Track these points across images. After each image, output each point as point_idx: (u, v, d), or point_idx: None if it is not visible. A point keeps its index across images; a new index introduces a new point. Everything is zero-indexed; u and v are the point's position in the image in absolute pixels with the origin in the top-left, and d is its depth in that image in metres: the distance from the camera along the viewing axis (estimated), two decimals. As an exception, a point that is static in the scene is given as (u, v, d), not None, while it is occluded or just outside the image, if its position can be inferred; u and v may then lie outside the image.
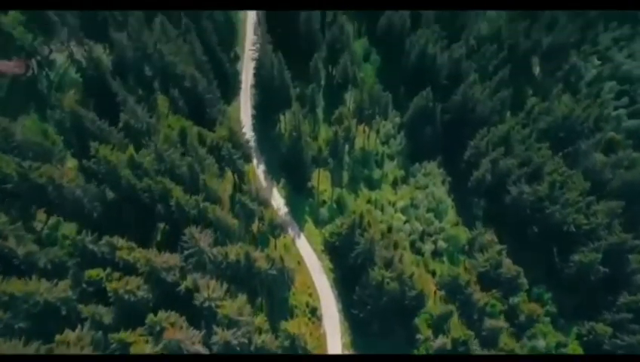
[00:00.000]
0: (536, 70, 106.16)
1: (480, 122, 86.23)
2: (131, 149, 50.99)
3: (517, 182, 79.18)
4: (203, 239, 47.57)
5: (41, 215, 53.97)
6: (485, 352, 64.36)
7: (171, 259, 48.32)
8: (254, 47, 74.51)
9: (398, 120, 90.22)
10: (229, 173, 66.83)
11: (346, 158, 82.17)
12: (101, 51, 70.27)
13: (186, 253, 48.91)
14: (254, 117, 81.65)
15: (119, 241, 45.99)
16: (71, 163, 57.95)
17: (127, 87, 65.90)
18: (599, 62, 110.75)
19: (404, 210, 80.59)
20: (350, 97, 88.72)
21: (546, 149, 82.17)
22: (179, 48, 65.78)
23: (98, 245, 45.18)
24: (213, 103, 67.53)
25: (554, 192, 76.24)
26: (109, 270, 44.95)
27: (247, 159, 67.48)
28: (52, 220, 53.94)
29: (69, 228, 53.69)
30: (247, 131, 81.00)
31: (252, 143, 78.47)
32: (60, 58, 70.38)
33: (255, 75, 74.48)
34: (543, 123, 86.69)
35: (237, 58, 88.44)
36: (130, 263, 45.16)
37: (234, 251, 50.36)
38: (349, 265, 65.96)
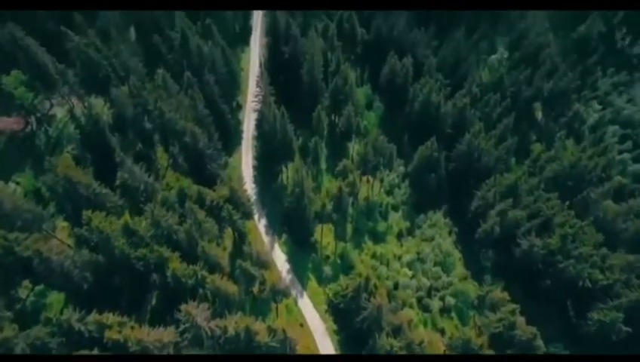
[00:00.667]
0: (539, 115, 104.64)
1: (486, 171, 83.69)
2: (127, 216, 47.81)
3: (527, 234, 75.64)
4: (200, 314, 43.67)
5: (26, 283, 50.26)
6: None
7: (165, 334, 44.19)
8: (256, 99, 72.82)
9: (402, 169, 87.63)
10: (229, 231, 63.45)
11: (350, 210, 79.01)
12: (102, 105, 68.42)
13: (181, 327, 44.88)
14: (256, 168, 79.00)
15: (109, 318, 42.04)
16: (63, 228, 54.75)
17: (127, 142, 63.60)
18: (600, 107, 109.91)
19: (410, 265, 76.68)
20: (353, 147, 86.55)
21: (555, 199, 79.05)
22: (180, 102, 63.88)
23: (85, 323, 41.27)
24: (214, 158, 65.01)
25: (566, 245, 72.56)
26: (96, 351, 40.87)
27: (248, 216, 64.19)
28: (39, 287, 50.20)
29: (56, 298, 49.90)
30: (249, 183, 78.39)
31: (253, 196, 75.58)
32: (60, 112, 68.43)
33: (257, 126, 72.40)
34: (550, 171, 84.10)
35: (239, 107, 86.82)
36: (119, 343, 41.10)
37: (233, 324, 46.30)
38: (354, 328, 61.57)
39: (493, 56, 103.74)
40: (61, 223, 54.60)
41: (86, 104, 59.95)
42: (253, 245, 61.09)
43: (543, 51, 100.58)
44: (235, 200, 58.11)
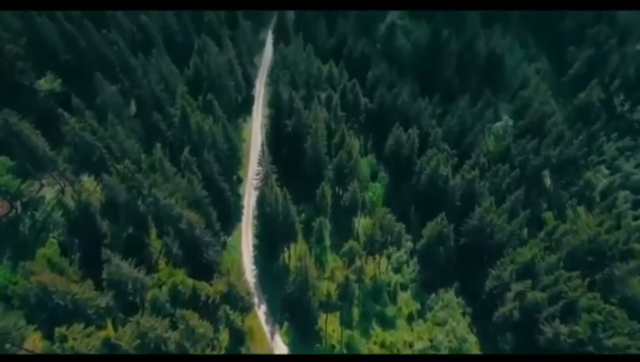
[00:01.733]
0: (548, 183, 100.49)
1: (499, 247, 78.22)
2: (110, 329, 41.78)
3: (550, 319, 68.74)
4: None
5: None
6: None
7: None
8: (258, 177, 68.59)
9: (410, 245, 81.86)
10: (225, 331, 56.58)
11: (356, 292, 72.49)
12: (94, 185, 63.89)
13: None
14: (256, 247, 73.37)
15: None
16: (34, 340, 47.96)
17: (118, 227, 58.40)
18: (608, 172, 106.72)
19: (423, 353, 69.11)
20: (359, 221, 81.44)
21: (577, 278, 72.80)
22: (177, 185, 59.44)
23: None
24: (211, 245, 59.54)
25: (597, 334, 65.47)
26: None
27: (248, 310, 57.59)
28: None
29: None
30: (248, 263, 72.49)
31: (253, 280, 69.39)
32: (49, 194, 63.85)
33: (258, 206, 67.54)
34: (568, 245, 78.40)
35: (240, 180, 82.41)
36: None
37: None
38: None
39: (498, 124, 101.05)
40: (32, 334, 48.04)
41: (76, 187, 55.50)
42: (252, 346, 54.09)
43: (548, 120, 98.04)
44: (234, 294, 51.98)
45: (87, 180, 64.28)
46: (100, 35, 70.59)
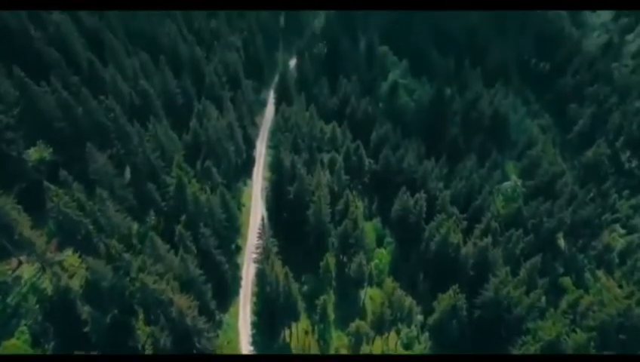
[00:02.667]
0: (563, 245, 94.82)
1: (518, 321, 71.46)
2: None
3: (583, 410, 60.91)
4: None
5: None
6: None
7: None
8: (257, 251, 63.26)
9: (420, 318, 75.05)
10: None
11: (365, 374, 64.99)
12: (77, 262, 58.40)
13: None
14: (254, 325, 66.74)
15: None
16: None
17: (100, 312, 52.39)
18: (624, 231, 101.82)
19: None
20: (365, 293, 75.14)
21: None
22: (169, 265, 54.11)
23: None
24: (204, 332, 53.25)
25: None
26: None
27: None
28: None
29: None
30: (245, 343, 65.68)
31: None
32: (28, 272, 58.17)
33: (257, 284, 61.74)
34: (596, 321, 71.52)
35: (238, 249, 76.90)
36: None
37: None
38: None
39: (506, 184, 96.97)
40: None
41: (56, 270, 50.22)
42: None
43: (559, 180, 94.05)
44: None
45: (71, 256, 58.98)
46: (98, 101, 68.03)
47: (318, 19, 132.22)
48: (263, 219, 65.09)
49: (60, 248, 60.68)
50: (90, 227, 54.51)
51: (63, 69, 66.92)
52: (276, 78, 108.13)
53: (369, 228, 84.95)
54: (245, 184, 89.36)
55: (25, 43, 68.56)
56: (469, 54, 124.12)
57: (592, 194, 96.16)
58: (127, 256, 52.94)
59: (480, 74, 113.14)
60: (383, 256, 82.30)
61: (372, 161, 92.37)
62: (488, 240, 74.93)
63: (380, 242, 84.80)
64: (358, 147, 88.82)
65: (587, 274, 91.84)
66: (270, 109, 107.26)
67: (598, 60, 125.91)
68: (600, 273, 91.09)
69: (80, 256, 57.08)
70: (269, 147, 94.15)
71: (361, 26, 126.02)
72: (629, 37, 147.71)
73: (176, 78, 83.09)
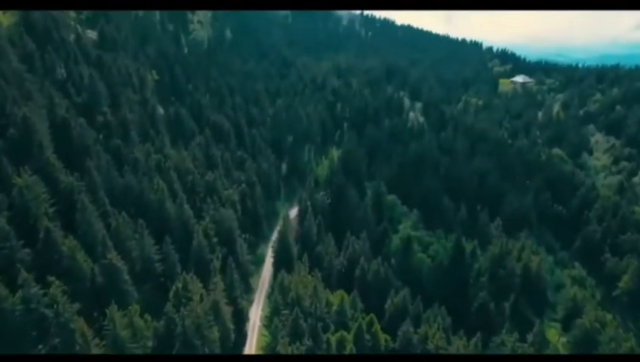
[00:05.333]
0: None
1: None
2: None
3: None
4: None
5: None
6: None
7: None
8: None
9: None
10: None
11: None
12: None
13: None
14: None
15: None
16: None
17: None
18: None
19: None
20: None
21: None
22: None
23: None
24: None
25: None
26: None
27: None
28: None
29: None
30: None
31: None
32: None
33: None
34: None
35: None
36: None
37: None
38: None
39: None
40: None
41: None
42: None
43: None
44: None
45: None
46: (43, 284, 53.27)
47: (322, 166, 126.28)
48: None
49: None
50: None
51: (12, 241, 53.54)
52: (275, 233, 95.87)
53: None
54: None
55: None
56: (483, 201, 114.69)
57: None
58: None
59: (501, 225, 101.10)
60: None
61: (389, 338, 73.83)
62: None
63: None
64: (371, 322, 71.35)
65: None
66: (268, 268, 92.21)
67: (620, 205, 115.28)
68: None
69: None
70: (264, 324, 76.31)
71: (365, 173, 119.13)
72: (635, 179, 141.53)
73: (158, 244, 69.92)
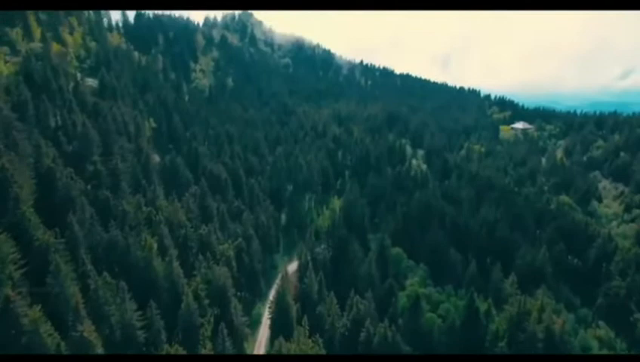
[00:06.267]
0: None
1: None
2: None
3: None
4: None
5: None
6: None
7: None
8: None
9: None
10: None
11: None
12: None
13: None
14: None
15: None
16: None
17: None
18: None
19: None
20: None
21: None
22: None
23: None
24: None
25: None
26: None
27: None
28: None
29: None
30: None
31: None
32: None
33: None
34: None
35: None
36: None
37: None
38: None
39: None
40: None
41: None
42: None
43: None
44: None
45: None
46: None
47: (323, 217, 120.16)
48: None
49: None
50: None
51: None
52: (273, 290, 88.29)
53: None
54: None
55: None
56: (493, 254, 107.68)
57: None
58: None
59: (515, 281, 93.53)
60: None
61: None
62: None
63: None
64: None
65: None
66: (265, 330, 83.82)
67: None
68: None
69: None
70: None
71: (368, 224, 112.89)
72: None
73: (142, 308, 62.61)
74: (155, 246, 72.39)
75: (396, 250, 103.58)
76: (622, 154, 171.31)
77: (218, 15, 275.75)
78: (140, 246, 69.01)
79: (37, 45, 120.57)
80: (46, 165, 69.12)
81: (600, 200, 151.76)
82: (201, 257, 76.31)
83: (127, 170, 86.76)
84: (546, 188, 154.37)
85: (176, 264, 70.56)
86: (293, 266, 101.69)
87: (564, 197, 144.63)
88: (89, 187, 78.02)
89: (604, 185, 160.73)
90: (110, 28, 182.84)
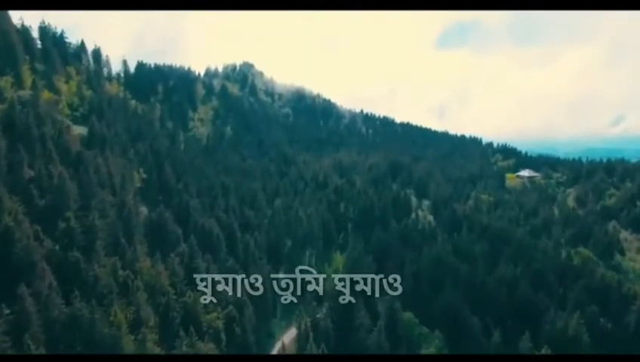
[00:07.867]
0: None
1: None
2: None
3: None
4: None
5: None
6: None
7: None
8: None
9: None
10: None
11: None
12: None
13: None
14: None
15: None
16: None
17: None
18: None
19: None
20: None
21: None
22: None
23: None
24: None
25: None
26: None
27: None
28: None
29: None
30: None
31: None
32: None
33: None
34: None
35: None
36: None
37: None
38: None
39: None
40: None
41: None
42: None
43: None
44: None
45: None
46: None
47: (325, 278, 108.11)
48: None
49: None
50: None
51: None
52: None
53: None
54: None
55: None
56: (515, 318, 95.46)
57: None
58: None
59: (550, 354, 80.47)
60: None
61: None
62: None
63: None
64: None
65: None
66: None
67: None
68: None
69: None
70: None
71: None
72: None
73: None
74: (129, 319, 60.91)
75: (407, 315, 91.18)
76: (638, 203, 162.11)
77: (219, 65, 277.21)
78: (107, 321, 57.43)
79: (26, 93, 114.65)
80: (4, 224, 59.19)
81: (622, 253, 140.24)
82: (182, 333, 64.21)
83: (105, 228, 76.61)
84: (562, 240, 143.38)
85: (150, 343, 58.55)
86: (291, 334, 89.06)
87: (584, 251, 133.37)
88: (57, 247, 67.66)
89: (625, 236, 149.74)
90: (110, 77, 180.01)
